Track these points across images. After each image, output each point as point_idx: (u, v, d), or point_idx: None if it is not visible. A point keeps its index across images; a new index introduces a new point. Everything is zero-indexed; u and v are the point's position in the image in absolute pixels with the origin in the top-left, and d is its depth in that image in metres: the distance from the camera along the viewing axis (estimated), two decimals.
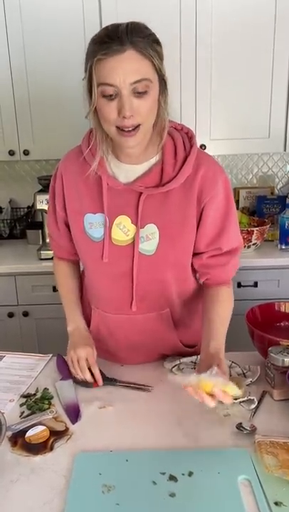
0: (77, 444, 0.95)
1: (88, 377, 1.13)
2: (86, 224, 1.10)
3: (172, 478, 0.83)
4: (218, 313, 1.09)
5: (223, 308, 1.11)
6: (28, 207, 2.61)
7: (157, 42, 0.94)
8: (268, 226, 2.22)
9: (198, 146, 1.11)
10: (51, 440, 0.96)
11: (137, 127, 0.95)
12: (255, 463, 0.86)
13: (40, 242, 2.42)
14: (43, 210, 2.26)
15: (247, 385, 1.11)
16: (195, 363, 1.20)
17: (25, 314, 2.22)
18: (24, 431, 0.98)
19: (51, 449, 0.94)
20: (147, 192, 1.04)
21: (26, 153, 2.24)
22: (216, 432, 0.96)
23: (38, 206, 2.22)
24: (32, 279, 2.19)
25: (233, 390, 0.87)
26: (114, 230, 1.08)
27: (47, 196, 2.18)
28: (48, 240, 2.31)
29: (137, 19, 0.95)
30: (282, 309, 1.31)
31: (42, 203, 2.21)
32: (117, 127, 0.95)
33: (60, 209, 1.17)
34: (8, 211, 2.59)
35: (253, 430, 0.96)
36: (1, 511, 0.80)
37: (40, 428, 0.99)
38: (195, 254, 1.13)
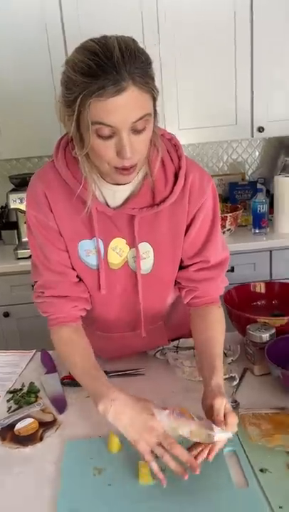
0: (67, 432, 0.97)
1: (184, 456, 0.81)
2: (81, 251, 1.02)
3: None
4: (216, 339, 1.00)
5: (219, 332, 1.03)
6: (2, 207, 2.58)
7: (151, 63, 0.84)
8: (241, 211, 2.26)
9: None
10: (40, 431, 0.97)
11: (134, 165, 0.89)
12: (239, 435, 0.89)
13: (16, 242, 2.41)
14: (17, 210, 2.25)
15: (228, 364, 1.14)
16: (177, 347, 1.22)
17: (6, 315, 2.22)
18: (13, 425, 0.99)
19: (41, 439, 0.96)
20: (141, 214, 0.98)
21: None
22: (201, 409, 0.99)
23: (12, 205, 2.20)
24: (10, 280, 2.18)
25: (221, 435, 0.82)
26: (110, 254, 1.03)
27: (20, 195, 2.20)
28: (24, 239, 2.31)
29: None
30: (257, 290, 1.35)
31: (15, 202, 2.19)
32: (114, 167, 0.88)
33: (61, 244, 1.02)
34: None
35: (237, 405, 0.99)
36: None
37: (29, 420, 1.00)
38: (181, 268, 1.08)
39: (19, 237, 2.37)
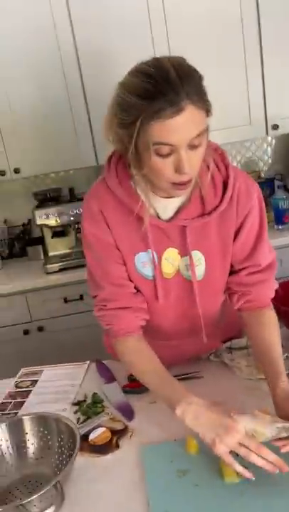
0: (141, 438, 1.00)
1: (269, 457, 0.81)
2: (138, 263, 1.05)
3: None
4: (275, 343, 1.03)
5: (276, 336, 1.05)
6: (24, 224, 2.63)
7: (203, 79, 0.88)
8: None
9: None
10: (115, 439, 1.01)
11: (191, 179, 0.93)
12: None
13: (42, 257, 2.45)
14: (42, 225, 2.29)
15: (284, 360, 1.17)
16: (230, 348, 1.25)
17: (41, 329, 2.25)
18: (86, 435, 1.02)
19: (117, 446, 0.99)
20: (192, 224, 1.01)
21: (17, 171, 2.27)
22: (263, 405, 1.01)
23: (38, 221, 2.25)
24: (41, 294, 2.22)
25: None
26: (163, 264, 1.06)
27: (46, 211, 2.24)
28: (52, 254, 2.35)
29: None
30: None
31: (42, 218, 2.24)
32: (172, 182, 0.91)
33: (119, 258, 1.06)
34: (5, 231, 2.60)
35: None
36: (88, 509, 0.85)
37: (101, 429, 1.03)
38: (231, 273, 1.10)
39: (46, 252, 2.41)
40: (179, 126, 0.83)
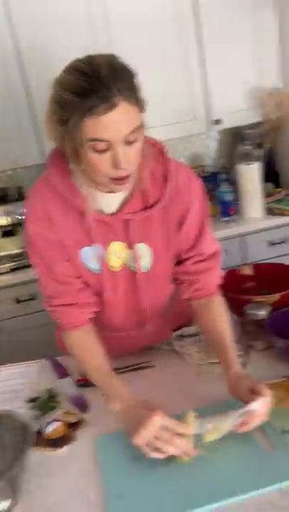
0: (96, 429, 1.02)
1: (182, 448, 0.87)
2: (84, 258, 1.07)
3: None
4: (225, 330, 1.07)
5: (226, 322, 1.08)
6: None
7: (135, 76, 0.90)
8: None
9: None
10: (70, 432, 1.02)
11: (129, 174, 0.95)
12: None
13: None
14: None
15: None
16: (181, 335, 1.29)
17: None
18: (42, 430, 1.03)
19: (73, 439, 1.00)
20: (135, 217, 1.04)
21: None
22: (217, 389, 1.06)
23: None
24: None
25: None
26: (110, 257, 1.08)
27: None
28: (1, 254, 2.31)
29: None
30: (246, 272, 1.44)
31: None
32: (110, 178, 0.94)
33: (63, 254, 1.07)
34: None
35: None
36: (45, 501, 0.86)
37: (57, 423, 1.03)
38: (177, 263, 1.14)
39: None
40: (112, 122, 0.85)
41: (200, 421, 0.89)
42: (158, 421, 0.86)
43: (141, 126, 0.91)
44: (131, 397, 0.97)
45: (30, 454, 0.90)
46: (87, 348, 1.09)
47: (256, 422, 0.88)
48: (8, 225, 2.24)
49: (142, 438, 0.86)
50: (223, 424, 0.89)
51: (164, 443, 0.86)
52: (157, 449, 0.86)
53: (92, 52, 0.90)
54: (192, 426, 0.88)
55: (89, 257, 1.08)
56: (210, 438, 0.89)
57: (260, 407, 0.88)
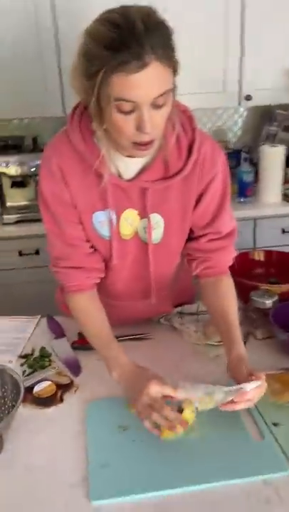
0: (86, 394, 1.02)
1: (169, 417, 0.85)
2: (96, 222, 1.04)
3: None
4: (231, 309, 1.05)
5: (232, 302, 1.06)
6: None
7: (172, 34, 0.83)
8: None
9: None
10: (59, 393, 1.02)
11: (153, 139, 0.90)
12: None
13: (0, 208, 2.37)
14: (1, 173, 2.19)
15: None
16: (181, 313, 1.27)
17: None
18: (31, 387, 1.03)
19: (61, 400, 1.00)
20: (153, 186, 1.00)
21: None
22: (211, 371, 1.06)
23: None
24: None
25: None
26: (122, 224, 1.05)
27: (5, 159, 2.15)
28: (9, 204, 2.27)
29: None
30: (256, 257, 1.41)
31: (1, 166, 2.14)
32: (133, 141, 0.89)
33: (75, 217, 1.03)
34: None
35: None
36: (27, 459, 0.86)
37: (47, 383, 1.03)
38: (191, 239, 1.11)
39: (3, 202, 2.33)
40: (141, 83, 0.80)
41: (191, 386, 0.88)
42: (153, 389, 0.86)
43: (171, 90, 0.85)
44: (130, 362, 0.96)
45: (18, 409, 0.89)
46: (89, 312, 1.08)
47: (243, 404, 0.86)
48: (19, 176, 2.19)
49: (137, 406, 0.87)
50: (215, 394, 0.87)
51: (151, 411, 0.85)
52: (149, 418, 0.86)
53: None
54: (181, 390, 0.87)
55: (101, 221, 1.04)
56: (202, 407, 0.87)
57: (253, 390, 0.86)
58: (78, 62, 0.86)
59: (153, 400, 0.86)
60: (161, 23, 0.82)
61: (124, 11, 0.81)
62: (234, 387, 0.86)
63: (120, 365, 0.96)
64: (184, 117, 1.00)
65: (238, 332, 1.00)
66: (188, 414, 0.86)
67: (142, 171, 1.01)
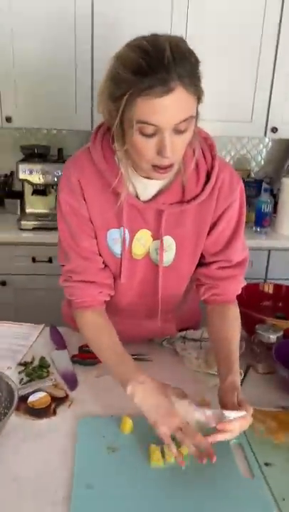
0: (79, 409, 1.01)
1: (201, 446, 0.84)
2: (110, 239, 1.05)
3: (172, 439, 0.89)
4: (234, 338, 1.04)
5: (236, 331, 1.06)
6: (6, 175, 2.56)
7: (199, 64, 0.85)
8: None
9: None
10: (53, 405, 1.01)
11: (172, 164, 0.91)
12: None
13: (19, 212, 2.41)
14: (24, 180, 2.23)
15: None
16: (184, 337, 1.26)
17: (3, 283, 2.22)
18: (26, 396, 1.02)
19: (54, 413, 0.99)
20: (169, 209, 1.01)
21: (9, 120, 2.20)
22: (209, 398, 1.03)
23: (21, 176, 2.19)
24: (11, 250, 2.19)
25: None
26: (134, 244, 1.05)
27: (30, 166, 2.19)
28: (29, 210, 2.31)
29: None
30: (266, 290, 1.40)
31: (25, 173, 2.18)
32: (153, 164, 0.90)
33: (91, 231, 1.04)
34: None
35: None
36: (12, 468, 0.85)
37: (42, 394, 1.03)
38: (201, 265, 1.11)
39: (23, 208, 2.37)
40: (165, 107, 0.81)
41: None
42: (181, 413, 0.85)
43: (194, 117, 0.87)
44: (150, 378, 0.92)
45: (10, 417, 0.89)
46: (101, 327, 1.06)
47: (225, 435, 0.84)
48: (41, 184, 2.23)
49: (167, 427, 0.85)
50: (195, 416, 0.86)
51: (184, 436, 0.83)
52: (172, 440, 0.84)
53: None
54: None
55: (114, 239, 1.05)
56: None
57: (237, 421, 0.84)
58: (105, 86, 0.89)
59: (183, 424, 0.84)
60: (189, 52, 0.84)
61: (154, 39, 0.83)
62: (217, 410, 0.86)
63: (139, 381, 0.91)
64: (204, 144, 1.02)
65: (237, 362, 0.98)
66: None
67: (160, 193, 1.02)
